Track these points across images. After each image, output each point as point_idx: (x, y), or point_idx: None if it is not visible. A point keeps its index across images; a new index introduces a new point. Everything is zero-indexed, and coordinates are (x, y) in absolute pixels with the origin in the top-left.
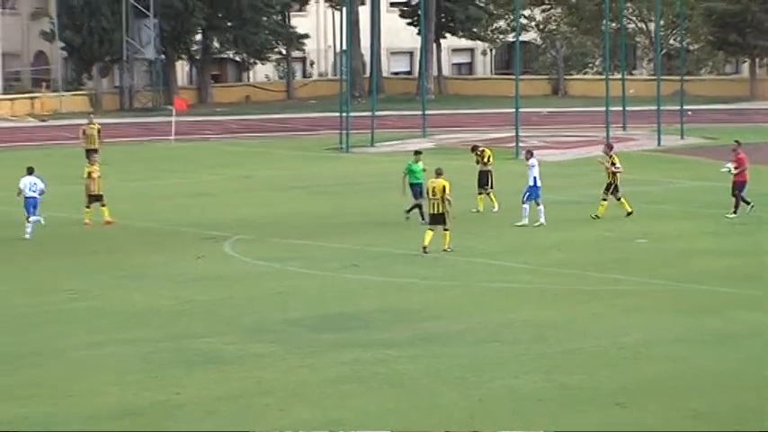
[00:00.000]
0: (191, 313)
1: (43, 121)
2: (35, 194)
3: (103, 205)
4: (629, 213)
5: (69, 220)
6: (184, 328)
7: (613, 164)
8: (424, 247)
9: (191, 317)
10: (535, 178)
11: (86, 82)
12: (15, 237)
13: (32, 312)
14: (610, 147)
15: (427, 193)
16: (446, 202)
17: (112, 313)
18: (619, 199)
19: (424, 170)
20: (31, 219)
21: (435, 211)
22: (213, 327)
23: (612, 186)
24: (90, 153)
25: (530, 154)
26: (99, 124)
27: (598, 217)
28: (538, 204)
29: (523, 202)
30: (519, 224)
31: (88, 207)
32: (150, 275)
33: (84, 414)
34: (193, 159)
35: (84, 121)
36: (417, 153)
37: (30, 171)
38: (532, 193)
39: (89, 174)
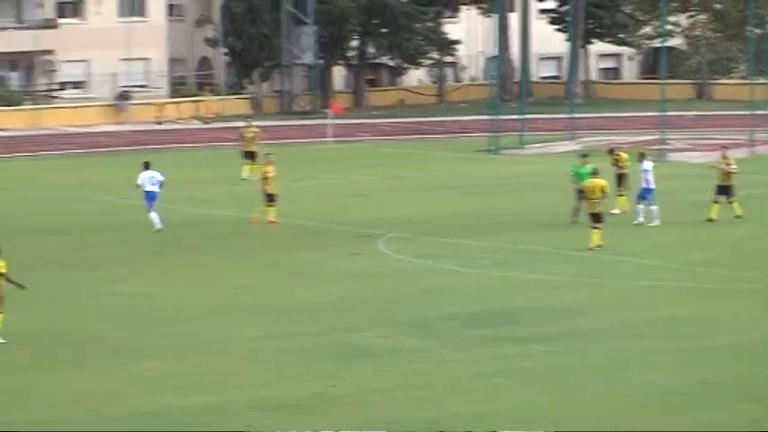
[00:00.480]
0: (347, 308)
1: (207, 123)
2: (155, 188)
3: (272, 205)
4: (738, 216)
5: (232, 218)
6: (342, 323)
7: (728, 164)
8: (596, 246)
9: (348, 312)
10: (648, 180)
11: (247, 86)
12: (184, 235)
13: (199, 306)
14: (725, 148)
15: (586, 193)
16: (604, 202)
17: (273, 308)
18: (731, 202)
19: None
20: (151, 213)
21: (594, 210)
22: (369, 322)
23: (727, 188)
24: (247, 155)
25: (642, 157)
26: (257, 127)
27: (712, 220)
28: (638, 204)
29: (649, 204)
30: (652, 224)
31: (269, 205)
32: (309, 272)
33: (244, 404)
34: (349, 160)
35: (243, 123)
36: (584, 156)
37: (146, 166)
38: (646, 194)
39: (264, 174)
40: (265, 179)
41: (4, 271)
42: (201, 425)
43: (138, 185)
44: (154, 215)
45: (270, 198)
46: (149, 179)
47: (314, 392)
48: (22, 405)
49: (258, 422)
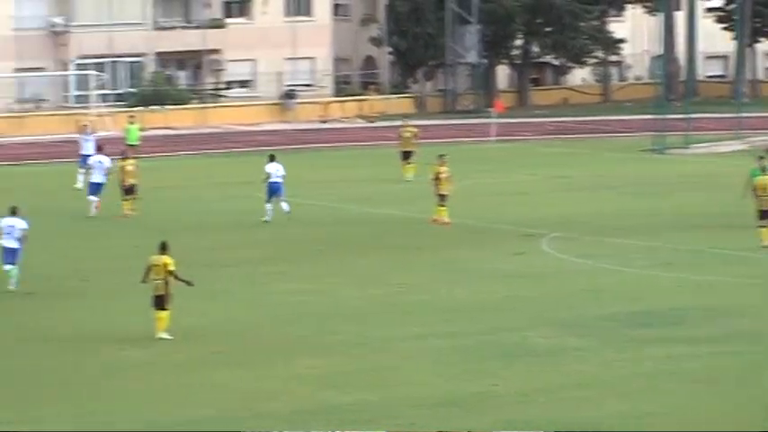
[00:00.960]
0: (509, 308)
1: (371, 122)
2: (279, 180)
3: (443, 205)
4: None
5: (395, 217)
6: (503, 322)
7: None
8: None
9: (509, 311)
10: None
11: (411, 85)
12: (347, 233)
13: (362, 304)
14: None
15: (756, 190)
16: None
17: (436, 306)
18: None
19: None
20: (268, 206)
21: (765, 207)
22: (531, 321)
23: None
24: (405, 155)
25: None
26: (415, 127)
27: None
28: None
29: None
30: None
31: (441, 206)
32: (471, 271)
33: (405, 402)
34: (511, 159)
35: (399, 123)
36: (761, 158)
37: (272, 158)
38: None
39: (437, 174)
40: (438, 179)
41: (172, 268)
42: (361, 423)
43: (266, 173)
44: (284, 204)
45: (442, 198)
46: (275, 171)
47: (475, 391)
48: (185, 402)
49: (419, 420)
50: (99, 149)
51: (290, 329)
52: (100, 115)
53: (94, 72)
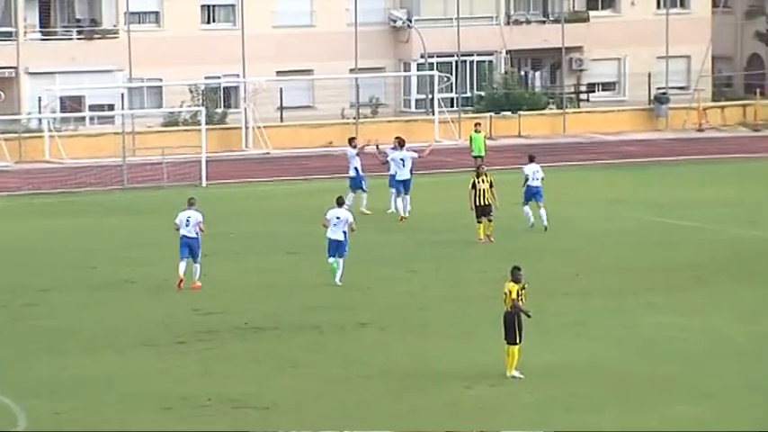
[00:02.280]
0: None
1: (756, 130)
2: (537, 183)
3: None
4: None
5: None
6: None
7: None
8: None
9: None
10: None
11: None
12: (729, 259)
13: (747, 342)
14: None
15: None
16: None
17: None
18: None
19: None
20: (526, 209)
21: None
22: None
23: None
24: None
25: None
26: None
27: None
28: None
29: None
30: None
31: None
32: None
33: None
34: None
35: None
36: None
37: (531, 159)
38: None
39: None
40: None
41: (513, 296)
42: None
43: (526, 176)
44: (543, 211)
45: None
46: (533, 173)
47: None
48: None
49: None
50: (401, 145)
51: (661, 370)
52: (443, 122)
53: (439, 73)
